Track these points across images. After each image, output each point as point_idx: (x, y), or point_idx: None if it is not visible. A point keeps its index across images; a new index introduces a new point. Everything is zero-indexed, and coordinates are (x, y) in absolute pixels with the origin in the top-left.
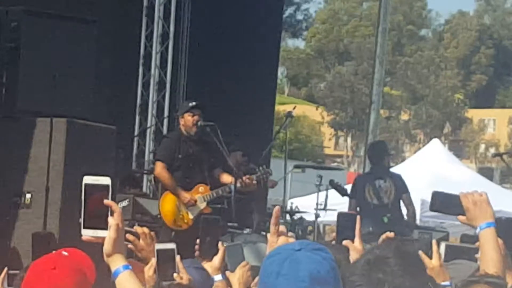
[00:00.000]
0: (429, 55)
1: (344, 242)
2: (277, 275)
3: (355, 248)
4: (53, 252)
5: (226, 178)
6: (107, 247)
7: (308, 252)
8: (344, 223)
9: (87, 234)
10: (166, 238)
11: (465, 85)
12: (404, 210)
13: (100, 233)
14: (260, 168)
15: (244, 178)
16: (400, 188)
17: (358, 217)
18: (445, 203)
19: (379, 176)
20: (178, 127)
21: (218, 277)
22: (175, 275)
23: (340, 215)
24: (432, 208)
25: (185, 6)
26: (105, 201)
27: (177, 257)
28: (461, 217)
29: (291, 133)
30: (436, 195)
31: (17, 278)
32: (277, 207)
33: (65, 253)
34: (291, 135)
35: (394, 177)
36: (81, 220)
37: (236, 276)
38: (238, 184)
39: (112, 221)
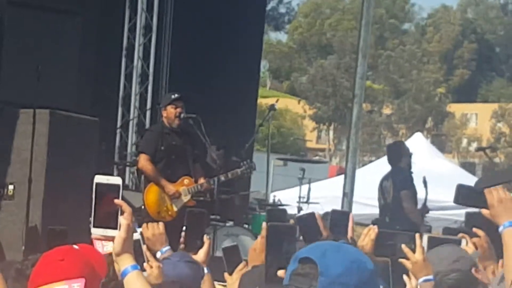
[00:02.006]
0: (412, 49)
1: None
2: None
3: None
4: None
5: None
6: (116, 246)
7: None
8: (337, 221)
9: (97, 233)
10: None
11: (448, 79)
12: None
13: (109, 232)
14: (244, 162)
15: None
16: (399, 186)
17: (350, 214)
18: (468, 196)
19: (387, 176)
20: (160, 119)
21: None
22: (145, 264)
23: (333, 212)
24: (456, 201)
25: None
26: (116, 201)
27: (144, 247)
28: (485, 211)
29: (273, 126)
30: (460, 189)
31: (12, 269)
32: None
33: (75, 246)
34: (273, 129)
35: (398, 176)
36: (91, 219)
37: (234, 279)
38: (222, 178)
39: (123, 220)
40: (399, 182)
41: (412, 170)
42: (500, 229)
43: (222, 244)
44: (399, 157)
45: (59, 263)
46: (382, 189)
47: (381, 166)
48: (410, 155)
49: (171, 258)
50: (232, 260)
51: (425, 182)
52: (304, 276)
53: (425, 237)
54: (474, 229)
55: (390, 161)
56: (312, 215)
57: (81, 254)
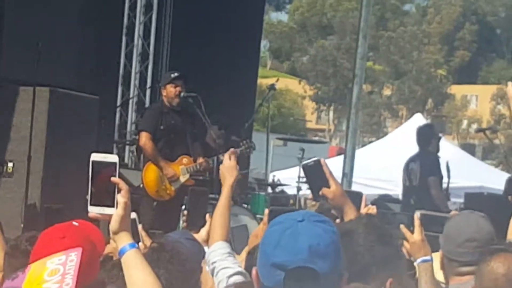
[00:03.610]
0: (413, 30)
1: (323, 191)
2: (276, 246)
3: (332, 192)
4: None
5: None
6: (114, 224)
7: (310, 224)
8: (312, 173)
9: (94, 211)
10: (147, 208)
11: (448, 61)
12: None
13: (107, 210)
14: (244, 142)
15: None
16: (427, 170)
17: (322, 160)
18: None
19: (414, 158)
20: (160, 98)
21: (205, 249)
22: (140, 244)
23: (305, 166)
24: (509, 193)
25: None
26: (113, 179)
27: (139, 226)
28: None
29: (273, 106)
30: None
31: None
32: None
33: (75, 223)
34: (273, 109)
35: (427, 160)
36: (88, 197)
37: (241, 258)
38: (222, 157)
39: (120, 198)
40: (427, 165)
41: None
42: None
43: None
44: (429, 140)
45: (60, 240)
46: (408, 171)
47: (381, 147)
48: (439, 138)
49: (172, 235)
50: (240, 239)
51: (448, 168)
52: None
53: (417, 214)
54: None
55: (419, 143)
56: (318, 162)
57: (81, 231)
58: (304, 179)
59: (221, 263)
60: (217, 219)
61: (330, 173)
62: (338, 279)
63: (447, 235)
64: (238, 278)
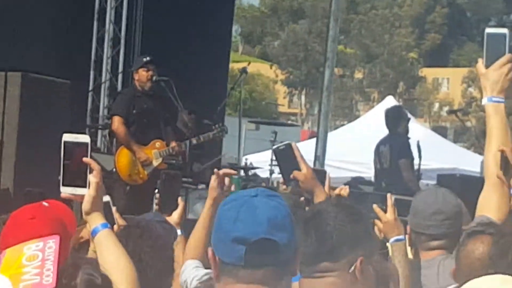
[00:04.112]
0: (384, 14)
1: (295, 174)
2: (235, 221)
3: (304, 174)
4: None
5: (174, 143)
6: (86, 205)
7: (264, 198)
8: (283, 157)
9: (66, 191)
10: (120, 192)
11: (419, 44)
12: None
13: (79, 190)
14: (216, 125)
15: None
16: (398, 153)
17: (293, 143)
18: None
19: (384, 141)
20: (132, 82)
21: (177, 232)
22: (114, 226)
23: (276, 150)
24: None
25: None
26: (85, 159)
27: (113, 208)
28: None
29: (245, 91)
30: None
31: None
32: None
33: (45, 204)
34: (245, 94)
35: (397, 142)
36: (60, 177)
37: None
38: (194, 141)
39: (92, 179)
40: (397, 148)
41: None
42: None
43: (194, 207)
44: (398, 122)
45: (31, 221)
46: (379, 153)
47: (353, 130)
48: (408, 120)
49: (144, 217)
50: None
51: (419, 148)
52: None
53: (392, 197)
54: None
55: (388, 125)
56: (289, 146)
57: (51, 211)
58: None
59: (190, 274)
60: (192, 241)
61: (301, 156)
62: (295, 251)
63: (414, 208)
64: (207, 277)
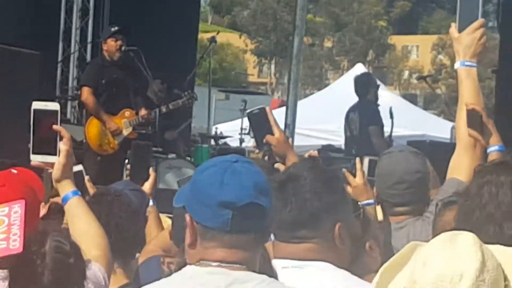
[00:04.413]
0: None
1: (276, 165)
2: (221, 184)
3: (277, 139)
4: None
5: (144, 112)
6: (56, 172)
7: (245, 164)
8: (256, 121)
9: (36, 159)
10: (91, 162)
11: (389, 11)
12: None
13: (49, 158)
14: (186, 92)
15: (170, 104)
16: (367, 119)
17: (267, 108)
18: None
19: (353, 108)
20: (101, 52)
21: (150, 201)
22: (87, 197)
23: (249, 115)
24: None
25: None
26: (54, 127)
27: (86, 177)
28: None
29: (215, 61)
30: None
31: None
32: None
33: (14, 171)
34: (215, 64)
35: (367, 109)
36: (30, 145)
37: None
38: (164, 109)
39: (62, 146)
40: (367, 114)
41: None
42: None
43: (164, 177)
44: (367, 89)
45: (1, 189)
46: (348, 120)
47: (323, 98)
48: (377, 86)
49: (115, 186)
50: None
51: (391, 114)
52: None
53: (366, 160)
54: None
55: (357, 92)
56: (262, 110)
57: (20, 178)
58: (247, 131)
59: None
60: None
61: (275, 121)
62: (273, 215)
63: (378, 175)
64: None
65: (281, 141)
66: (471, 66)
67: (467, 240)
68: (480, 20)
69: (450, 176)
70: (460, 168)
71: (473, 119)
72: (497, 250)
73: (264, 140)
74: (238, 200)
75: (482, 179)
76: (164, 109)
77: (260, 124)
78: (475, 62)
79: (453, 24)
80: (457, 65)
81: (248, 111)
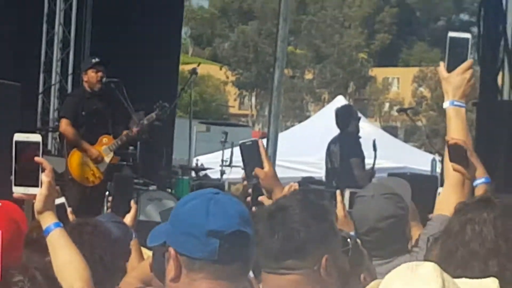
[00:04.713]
0: (333, 14)
1: (260, 198)
2: (207, 214)
3: (265, 172)
4: None
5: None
6: (38, 204)
7: (227, 195)
8: (248, 153)
9: (18, 191)
10: (79, 195)
11: (369, 44)
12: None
13: (31, 190)
14: (157, 103)
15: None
16: (348, 152)
17: (259, 140)
18: None
19: (335, 140)
20: (81, 84)
21: (133, 234)
22: None
23: (242, 145)
24: None
25: None
26: (36, 158)
27: (69, 209)
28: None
29: (196, 93)
30: None
31: None
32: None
33: None
34: (195, 95)
35: (348, 141)
36: (12, 177)
37: None
38: (145, 121)
39: (44, 178)
40: (348, 146)
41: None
42: None
43: (145, 209)
44: (348, 121)
45: None
46: (330, 153)
47: (303, 130)
48: (358, 118)
49: (99, 218)
50: None
51: (374, 146)
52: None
53: (347, 192)
54: None
55: (338, 124)
56: (255, 142)
57: (6, 212)
58: (227, 163)
59: None
60: None
61: (266, 154)
62: (256, 246)
63: (353, 217)
64: None
65: (269, 175)
66: (460, 106)
67: (427, 268)
68: (470, 61)
69: (438, 212)
70: (448, 205)
71: (458, 153)
72: (461, 281)
73: (253, 173)
74: (226, 228)
75: (464, 217)
76: (139, 127)
77: (251, 156)
78: (464, 102)
79: (441, 64)
80: (446, 105)
81: (241, 142)
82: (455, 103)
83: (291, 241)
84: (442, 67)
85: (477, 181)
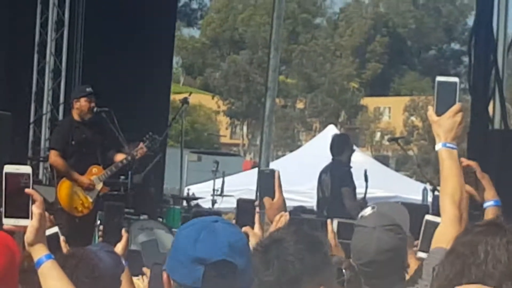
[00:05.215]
0: (324, 43)
1: (244, 229)
2: (195, 241)
3: (255, 234)
4: None
5: (120, 156)
6: (29, 236)
7: (224, 224)
8: (244, 209)
9: (9, 223)
10: (69, 225)
11: (360, 73)
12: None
13: (21, 222)
14: (147, 135)
15: (134, 151)
16: (339, 181)
17: (276, 171)
18: None
19: (326, 169)
20: (70, 112)
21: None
22: None
23: (240, 201)
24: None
25: None
26: (27, 190)
27: (61, 238)
28: None
29: (187, 122)
30: None
31: None
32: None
33: None
34: (187, 125)
35: (339, 171)
36: (2, 209)
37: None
38: (135, 153)
39: (35, 210)
40: (339, 176)
41: (352, 165)
42: None
43: (136, 238)
44: (342, 149)
45: None
46: (321, 181)
47: (295, 159)
48: (352, 150)
49: (91, 248)
50: (150, 253)
51: (366, 177)
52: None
53: (335, 222)
54: None
55: (332, 152)
56: (272, 172)
57: (1, 241)
58: (218, 192)
59: None
60: None
61: (279, 185)
62: (251, 279)
63: (352, 247)
64: None
65: (275, 206)
66: (453, 148)
67: None
68: (459, 104)
69: (436, 245)
70: (447, 239)
71: (468, 175)
72: None
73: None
74: (210, 257)
75: (475, 238)
76: (129, 158)
77: (266, 184)
78: (456, 144)
79: (430, 108)
80: (438, 147)
81: (261, 168)
82: (448, 145)
83: (285, 273)
84: (431, 111)
85: (487, 203)
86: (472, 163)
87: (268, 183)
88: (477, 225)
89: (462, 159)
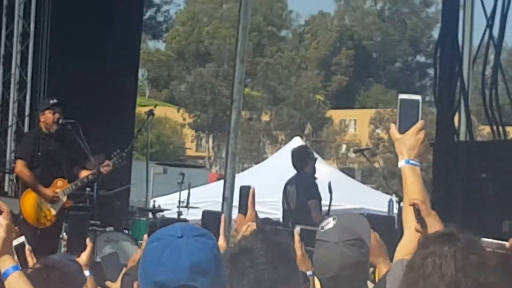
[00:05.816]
0: (290, 56)
1: (237, 216)
2: (157, 264)
3: (220, 245)
4: None
5: (86, 172)
6: None
7: (189, 240)
8: (209, 221)
9: None
10: (31, 237)
11: (326, 85)
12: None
13: None
14: (115, 152)
15: (101, 167)
16: (304, 193)
17: (222, 215)
18: None
19: (291, 181)
20: (38, 124)
21: (86, 273)
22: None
23: (205, 213)
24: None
25: (45, 5)
26: None
27: (27, 247)
28: None
29: (152, 135)
30: None
31: None
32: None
33: None
34: (152, 137)
35: (304, 182)
36: None
37: (117, 286)
38: (102, 170)
39: (2, 220)
40: (304, 188)
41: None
42: None
43: (102, 250)
44: (304, 162)
45: None
46: (286, 193)
47: (260, 171)
48: (314, 159)
49: (53, 257)
50: (112, 266)
51: (330, 189)
52: None
53: (298, 228)
54: None
55: (294, 165)
56: (248, 188)
57: None
58: (184, 204)
59: None
60: None
61: (252, 201)
62: None
63: (315, 262)
64: None
65: (242, 221)
66: (415, 165)
67: None
68: (422, 121)
69: (398, 257)
70: (409, 251)
71: (417, 213)
72: None
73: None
74: (172, 282)
75: (426, 250)
76: (95, 171)
77: (243, 201)
78: (419, 161)
79: (392, 125)
80: (401, 163)
81: (242, 185)
82: (411, 162)
83: (261, 282)
84: (393, 129)
85: None
86: (417, 202)
87: (244, 199)
88: (431, 236)
89: (411, 197)
